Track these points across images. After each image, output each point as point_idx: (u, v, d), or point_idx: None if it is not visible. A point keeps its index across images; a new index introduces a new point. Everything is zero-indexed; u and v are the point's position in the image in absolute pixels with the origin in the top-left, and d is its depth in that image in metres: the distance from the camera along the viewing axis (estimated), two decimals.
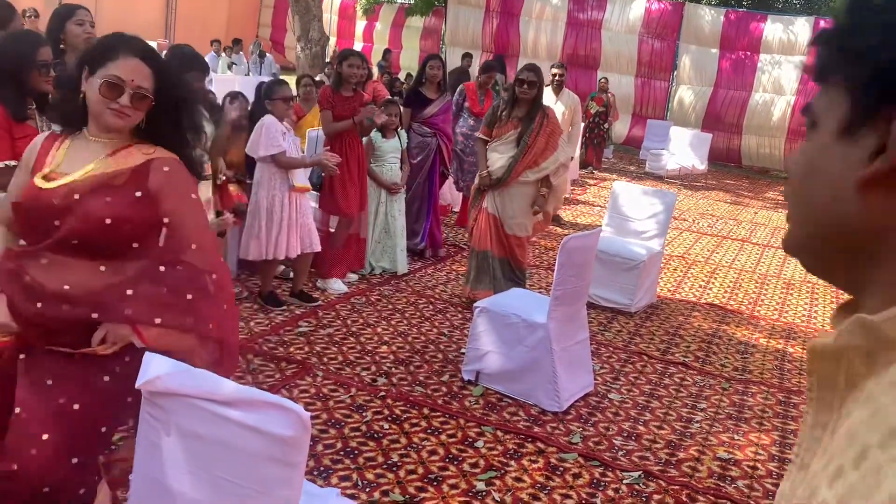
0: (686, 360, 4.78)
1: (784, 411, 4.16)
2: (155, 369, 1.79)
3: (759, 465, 3.54)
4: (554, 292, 3.81)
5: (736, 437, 3.79)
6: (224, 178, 4.79)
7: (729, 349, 5.07)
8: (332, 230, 5.57)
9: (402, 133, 5.96)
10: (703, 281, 6.79)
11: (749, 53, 14.45)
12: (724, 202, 11.23)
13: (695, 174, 13.21)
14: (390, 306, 5.18)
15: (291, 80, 7.04)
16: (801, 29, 14.00)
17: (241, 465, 1.69)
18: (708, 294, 6.37)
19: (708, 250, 8.00)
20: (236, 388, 1.71)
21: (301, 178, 4.81)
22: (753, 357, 4.97)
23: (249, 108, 5.29)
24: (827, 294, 6.72)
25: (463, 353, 4.22)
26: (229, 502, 1.72)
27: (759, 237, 9.01)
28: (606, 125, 12.99)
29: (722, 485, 3.32)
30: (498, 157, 5.04)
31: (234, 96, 5.50)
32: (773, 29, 14.22)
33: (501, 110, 5.10)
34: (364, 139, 5.60)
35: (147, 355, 1.81)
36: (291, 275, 5.25)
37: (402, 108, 6.17)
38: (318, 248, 4.95)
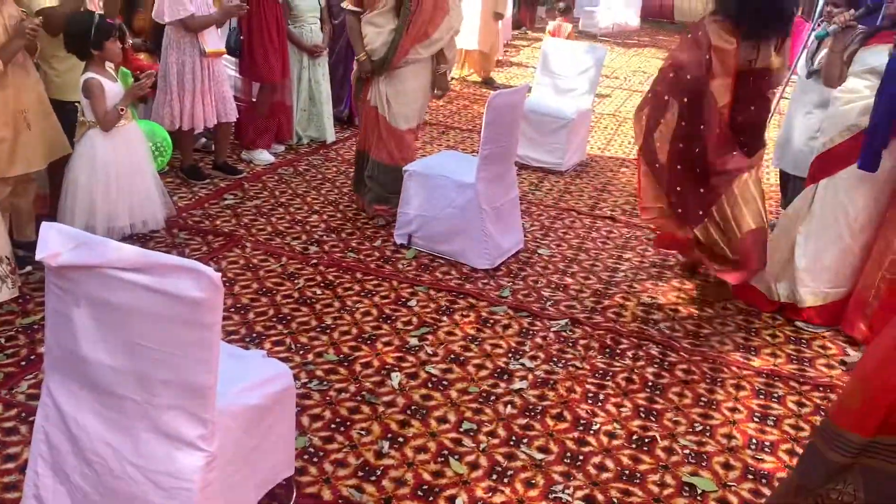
0: (613, 213, 4.88)
1: None
2: (54, 242, 1.71)
3: (680, 308, 3.70)
4: (482, 151, 3.77)
5: (659, 283, 3.94)
6: (130, 44, 4.50)
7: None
8: (255, 99, 5.34)
9: None
10: (633, 137, 6.82)
11: None
12: (656, 59, 11.15)
13: (628, 31, 13.03)
14: (320, 176, 5.08)
15: None
16: None
17: (154, 329, 1.67)
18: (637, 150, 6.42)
19: None
20: (142, 254, 1.65)
21: (214, 41, 4.52)
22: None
23: None
24: None
25: (396, 218, 4.20)
26: (146, 366, 1.70)
27: None
28: None
29: (645, 327, 3.47)
30: (376, 34, 4.06)
31: None
32: None
33: None
34: None
35: (44, 227, 1.72)
36: (213, 147, 5.06)
37: None
38: (235, 117, 4.74)
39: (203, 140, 5.26)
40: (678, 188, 3.54)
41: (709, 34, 3.39)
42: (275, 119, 5.40)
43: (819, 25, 5.87)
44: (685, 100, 3.44)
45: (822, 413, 2.92)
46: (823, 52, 4.13)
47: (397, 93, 4.12)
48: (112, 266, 1.65)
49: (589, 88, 5.84)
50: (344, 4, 4.24)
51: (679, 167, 3.52)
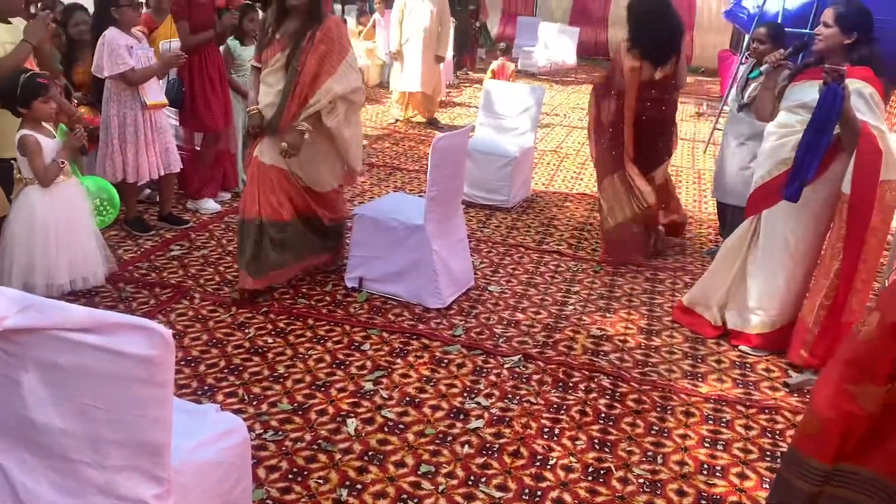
0: (560, 247, 4.98)
1: (651, 287, 4.44)
2: (1, 307, 1.68)
3: (629, 338, 3.79)
4: (429, 193, 3.83)
5: (608, 315, 4.03)
6: (75, 100, 4.47)
7: (599, 235, 5.29)
8: (199, 147, 5.32)
9: None
10: (575, 172, 7.00)
11: None
12: None
13: (565, 69, 13.39)
14: None
15: None
16: None
17: (105, 389, 1.65)
18: (579, 184, 6.59)
19: (579, 143, 8.21)
20: (91, 314, 1.64)
21: (155, 93, 4.51)
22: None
23: (92, 21, 4.86)
24: (690, 176, 7.11)
25: (345, 263, 4.21)
26: (98, 428, 1.68)
27: None
28: (478, 24, 12.87)
29: (595, 359, 3.54)
30: (266, 92, 3.78)
31: (70, 9, 5.03)
32: None
33: (268, 24, 3.82)
34: (221, 48, 5.30)
35: None
36: (158, 198, 5.02)
37: (261, 11, 5.86)
38: (179, 168, 4.71)
39: (147, 191, 5.21)
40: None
41: (621, 57, 4.66)
42: (219, 167, 5.38)
43: (746, 59, 6.17)
44: (607, 106, 4.72)
45: (769, 435, 3.02)
46: (753, 87, 4.34)
47: (298, 159, 3.79)
48: (60, 327, 1.63)
49: (531, 126, 5.99)
50: (250, 62, 4.06)
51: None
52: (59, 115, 3.62)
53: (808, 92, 3.38)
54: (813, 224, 3.51)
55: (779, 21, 6.79)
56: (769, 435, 3.02)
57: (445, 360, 3.42)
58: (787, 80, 3.64)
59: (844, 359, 2.06)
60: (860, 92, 3.26)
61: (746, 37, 9.71)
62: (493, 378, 3.30)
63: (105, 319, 1.61)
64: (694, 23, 14.30)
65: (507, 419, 3.00)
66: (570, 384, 3.30)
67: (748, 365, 3.60)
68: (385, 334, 3.62)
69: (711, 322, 3.84)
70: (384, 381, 3.22)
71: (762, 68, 3.81)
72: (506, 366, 3.41)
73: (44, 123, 3.43)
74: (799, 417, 3.15)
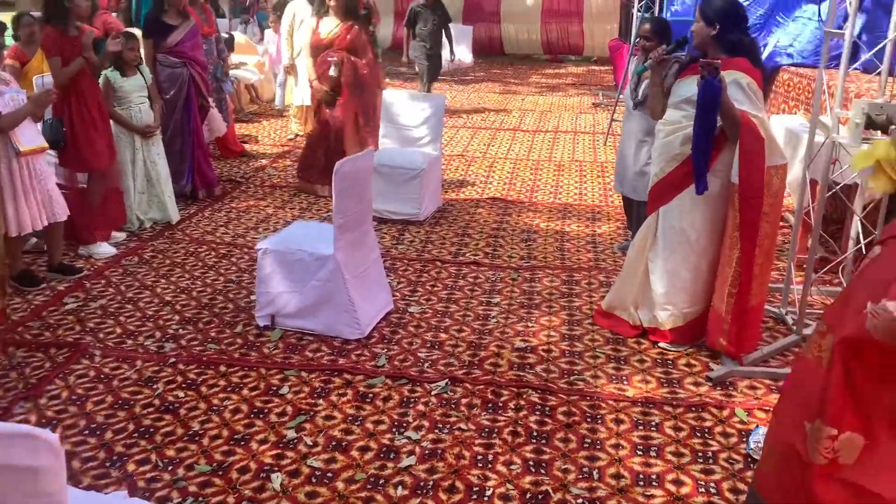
0: (476, 257, 4.93)
1: (569, 290, 4.44)
2: None
3: (552, 347, 3.76)
4: (336, 221, 3.69)
5: (529, 324, 4.00)
6: None
7: (514, 239, 5.29)
8: (84, 186, 4.99)
9: (145, 68, 5.38)
10: (484, 176, 6.99)
11: None
12: (493, 93, 11.56)
13: (463, 68, 13.40)
14: (168, 261, 4.80)
15: (8, 17, 6.09)
16: None
17: None
18: (490, 188, 6.57)
19: (484, 144, 8.22)
20: None
21: (30, 138, 4.18)
22: (536, 243, 5.24)
23: None
24: (593, 170, 7.21)
25: (255, 300, 4.02)
26: None
27: (528, 124, 9.40)
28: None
29: (522, 374, 3.50)
30: None
31: None
32: None
33: None
34: (100, 80, 4.99)
35: None
36: (46, 247, 4.67)
37: (142, 39, 5.57)
38: (65, 215, 4.40)
39: (34, 240, 4.85)
40: None
41: None
42: (108, 207, 5.05)
43: (636, 54, 6.30)
44: None
45: (699, 434, 3.04)
46: (645, 84, 4.40)
47: None
48: None
49: (434, 136, 5.92)
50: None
51: None
52: None
53: (691, 87, 3.44)
54: (709, 215, 3.57)
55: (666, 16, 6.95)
56: (698, 434, 3.04)
57: (370, 395, 3.30)
58: (674, 77, 3.70)
59: (803, 390, 1.90)
60: (738, 82, 3.35)
61: (634, 27, 9.96)
62: (421, 408, 3.21)
63: None
64: (583, 12, 14.58)
65: (440, 451, 2.91)
66: (500, 403, 3.24)
67: (669, 361, 3.64)
68: (304, 374, 3.47)
69: (630, 323, 3.87)
70: (307, 426, 3.07)
71: (647, 64, 3.86)
72: (433, 392, 3.32)
73: None
74: (725, 413, 3.19)
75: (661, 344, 3.76)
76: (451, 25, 13.76)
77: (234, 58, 8.89)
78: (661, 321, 3.74)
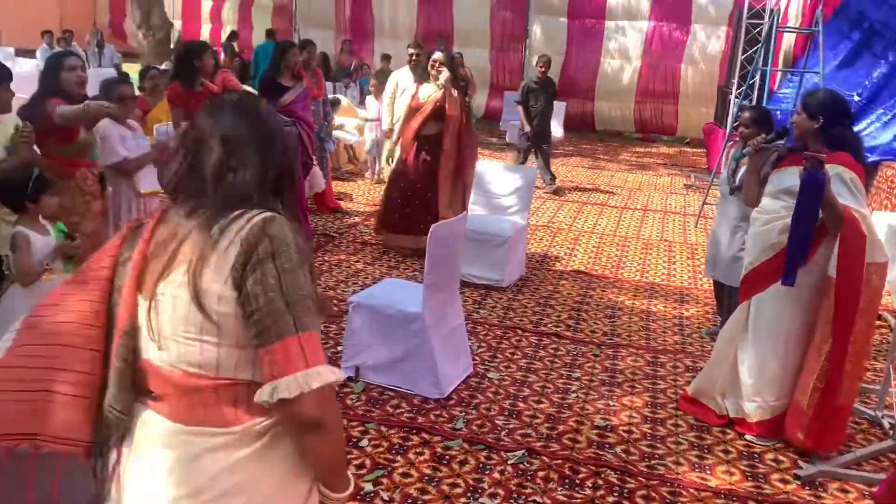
0: (558, 329, 4.93)
1: (653, 371, 4.37)
2: None
3: (633, 428, 3.70)
4: (426, 280, 3.80)
5: (610, 402, 3.95)
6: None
7: (597, 314, 5.27)
8: None
9: None
10: (569, 248, 7.01)
11: (595, 21, 14.96)
12: (582, 167, 11.64)
13: (553, 141, 13.58)
14: None
15: (133, 67, 6.61)
16: None
17: None
18: (574, 261, 6.59)
19: (570, 217, 8.26)
20: None
21: (150, 180, 4.50)
22: (620, 320, 5.19)
23: None
24: (683, 251, 7.13)
25: (341, 350, 4.14)
26: None
27: (616, 200, 9.40)
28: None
29: (601, 453, 3.45)
30: None
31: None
32: None
33: None
34: None
35: None
36: None
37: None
38: None
39: None
40: None
41: None
42: None
43: (733, 142, 6.28)
44: None
45: None
46: (743, 170, 4.39)
47: None
48: None
49: (522, 206, 6.03)
50: None
51: None
52: (61, 212, 3.59)
53: (792, 178, 3.42)
54: (802, 308, 3.49)
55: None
56: None
57: (447, 457, 3.32)
58: (771, 167, 3.68)
59: None
60: (841, 177, 3.31)
61: (731, 111, 9.93)
62: (496, 475, 3.20)
63: None
64: (679, 93, 14.61)
65: None
66: (577, 480, 3.20)
67: (756, 455, 3.52)
68: (384, 428, 3.52)
69: (717, 412, 3.77)
70: (384, 480, 3.11)
71: (744, 151, 3.87)
72: (509, 461, 3.31)
73: (41, 220, 3.38)
74: None
75: (748, 436, 3.64)
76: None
77: (336, 119, 9.28)
78: (749, 413, 3.64)
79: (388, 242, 6.45)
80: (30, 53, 14.23)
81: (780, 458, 3.50)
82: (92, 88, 4.99)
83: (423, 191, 6.20)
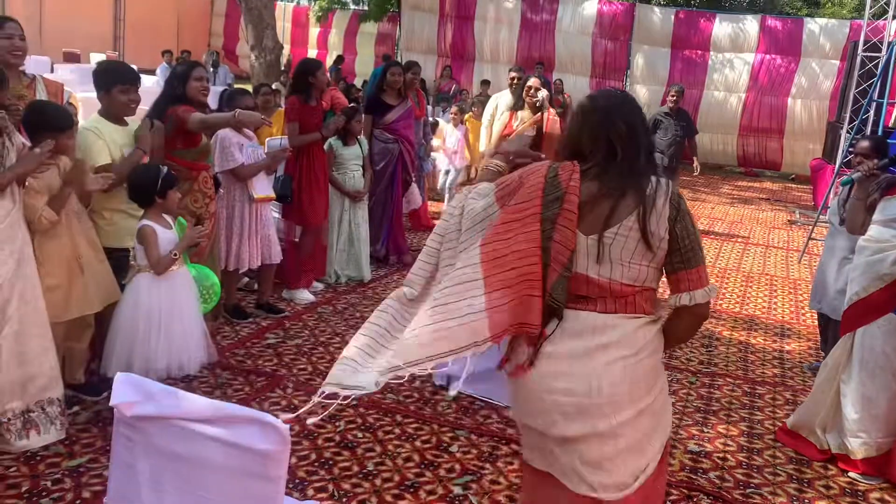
0: None
1: (750, 402, 4.25)
2: (127, 391, 1.76)
3: (728, 455, 3.60)
4: None
5: (705, 429, 3.86)
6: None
7: (694, 343, 5.15)
8: (297, 239, 5.53)
9: (363, 140, 5.94)
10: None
11: (700, 52, 14.75)
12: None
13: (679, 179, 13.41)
14: (357, 314, 5.16)
15: (248, 87, 6.98)
16: (750, 27, 14.34)
17: (221, 481, 1.68)
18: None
19: None
20: (213, 405, 1.70)
21: (263, 187, 4.76)
22: (718, 350, 5.07)
23: None
24: (785, 286, 6.89)
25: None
26: None
27: (717, 231, 9.18)
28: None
29: (694, 477, 3.37)
30: None
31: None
32: (722, 28, 14.54)
33: None
34: (325, 146, 5.58)
35: (119, 376, 1.78)
36: (256, 286, 5.20)
37: (363, 114, 6.17)
38: (279, 259, 4.91)
39: (246, 279, 5.41)
40: None
41: None
42: (315, 260, 5.56)
43: (843, 175, 6.07)
44: None
45: None
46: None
47: None
48: (183, 417, 1.69)
49: None
50: None
51: None
52: (183, 208, 3.83)
53: None
54: None
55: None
56: None
57: None
58: (879, 193, 3.55)
59: None
60: None
61: (841, 146, 9.56)
62: None
63: (228, 412, 1.66)
64: (784, 128, 14.17)
65: None
66: (668, 502, 3.14)
67: (860, 493, 3.36)
68: (474, 436, 3.57)
69: (818, 446, 3.62)
70: (473, 485, 3.15)
71: (854, 176, 3.74)
72: None
73: (164, 215, 3.63)
74: None
75: (852, 473, 3.49)
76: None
77: (434, 142, 9.44)
78: (852, 449, 3.48)
79: None
80: (150, 72, 15.24)
81: (887, 497, 3.33)
82: (211, 103, 5.32)
83: None
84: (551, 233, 1.96)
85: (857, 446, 3.46)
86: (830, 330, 4.56)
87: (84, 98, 9.74)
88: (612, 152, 2.01)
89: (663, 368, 2.18)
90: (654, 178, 2.00)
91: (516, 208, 2.00)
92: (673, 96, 8.42)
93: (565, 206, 1.96)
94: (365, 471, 3.19)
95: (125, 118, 3.77)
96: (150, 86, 11.64)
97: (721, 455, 3.61)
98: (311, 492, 3.00)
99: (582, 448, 2.01)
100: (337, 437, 3.45)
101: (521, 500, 2.54)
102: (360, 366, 2.07)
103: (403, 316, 2.12)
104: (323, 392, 1.96)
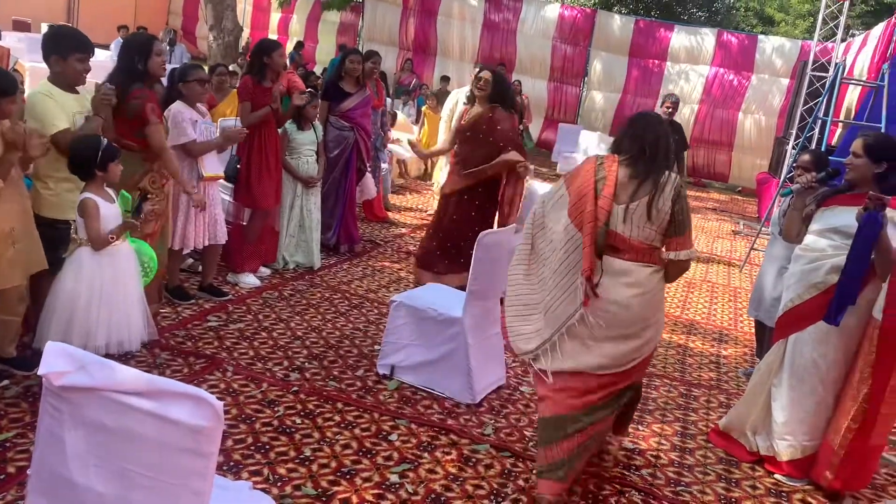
0: None
1: (686, 403, 4.35)
2: (57, 361, 1.71)
3: (661, 454, 3.69)
4: (470, 287, 3.86)
5: (640, 427, 3.94)
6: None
7: None
8: (245, 223, 5.45)
9: (318, 126, 5.89)
10: None
11: (657, 62, 15.01)
12: None
13: None
14: (304, 301, 5.12)
15: (205, 67, 6.85)
16: (707, 40, 14.64)
17: (151, 456, 1.65)
18: None
19: None
20: (146, 378, 1.66)
21: (213, 165, 4.67)
22: (657, 352, 5.17)
23: (163, 96, 5.08)
24: (725, 293, 7.07)
25: (378, 349, 4.21)
26: (139, 495, 1.67)
27: None
28: (521, 127, 13.20)
29: (627, 473, 3.44)
30: None
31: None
32: (679, 39, 14.81)
33: None
34: (280, 130, 5.51)
35: (49, 345, 1.73)
36: (200, 268, 5.11)
37: (319, 100, 6.11)
38: (224, 240, 4.83)
39: (190, 261, 5.31)
40: None
41: None
42: (263, 244, 5.49)
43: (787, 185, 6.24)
44: None
45: None
46: None
47: None
48: (116, 389, 1.65)
49: None
50: None
51: None
52: (125, 180, 3.74)
53: (842, 217, 3.42)
54: (843, 348, 3.46)
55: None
56: None
57: (473, 459, 3.35)
58: (815, 205, 3.67)
59: None
60: (893, 221, 3.29)
61: (786, 161, 9.85)
62: (521, 483, 3.22)
63: (161, 386, 1.63)
64: (734, 142, 14.52)
65: None
66: (600, 497, 3.20)
67: (784, 494, 3.48)
68: (414, 426, 3.57)
69: (747, 448, 3.73)
70: (410, 474, 3.16)
71: (793, 188, 3.87)
72: (535, 471, 3.32)
73: (106, 188, 3.54)
74: None
75: (777, 475, 3.60)
76: (596, 134, 14.11)
77: (392, 133, 9.45)
78: (779, 451, 3.60)
79: (417, 276, 5.68)
80: (104, 47, 14.81)
81: (809, 499, 3.45)
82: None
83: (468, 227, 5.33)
84: (597, 200, 2.95)
85: (784, 448, 3.58)
86: (766, 337, 4.69)
87: (32, 67, 9.43)
88: (642, 151, 2.98)
89: (663, 300, 3.15)
90: (667, 172, 2.97)
91: (579, 188, 3.00)
92: (668, 107, 7.46)
93: (607, 183, 2.96)
94: (301, 456, 3.17)
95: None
96: (104, 60, 11.32)
97: (654, 453, 3.69)
98: (245, 475, 2.97)
99: (609, 346, 3.03)
100: (275, 423, 3.42)
101: (541, 409, 3.15)
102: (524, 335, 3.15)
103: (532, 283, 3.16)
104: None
